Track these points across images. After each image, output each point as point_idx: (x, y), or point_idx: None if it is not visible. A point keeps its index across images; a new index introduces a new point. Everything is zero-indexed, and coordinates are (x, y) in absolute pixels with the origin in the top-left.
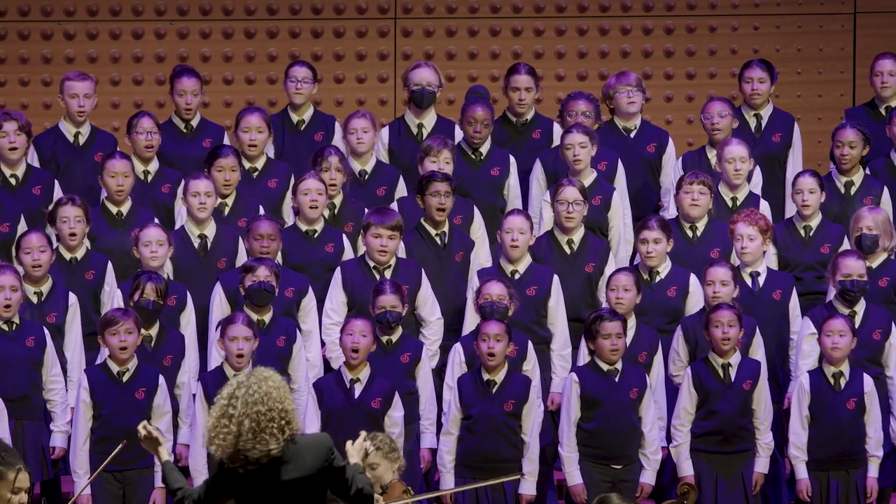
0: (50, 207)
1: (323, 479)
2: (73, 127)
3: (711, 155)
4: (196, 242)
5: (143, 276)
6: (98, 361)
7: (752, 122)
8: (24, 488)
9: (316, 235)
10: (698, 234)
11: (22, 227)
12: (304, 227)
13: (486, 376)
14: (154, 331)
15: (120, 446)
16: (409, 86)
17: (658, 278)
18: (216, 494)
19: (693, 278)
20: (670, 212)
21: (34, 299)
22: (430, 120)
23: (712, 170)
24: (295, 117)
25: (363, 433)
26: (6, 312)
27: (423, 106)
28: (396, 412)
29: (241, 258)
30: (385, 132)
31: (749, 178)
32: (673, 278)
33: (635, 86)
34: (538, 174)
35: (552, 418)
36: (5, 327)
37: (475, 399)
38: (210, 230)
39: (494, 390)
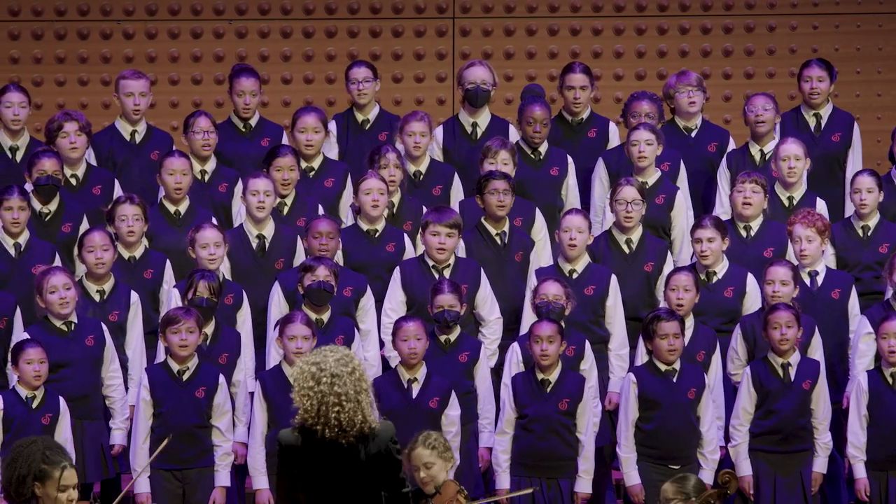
0: (108, 206)
1: (380, 463)
2: (130, 125)
3: (755, 150)
4: (254, 242)
5: (197, 275)
6: (157, 360)
7: (812, 122)
8: (72, 485)
9: (377, 235)
10: (752, 233)
11: (84, 227)
12: (365, 227)
13: (540, 376)
14: (210, 329)
15: (166, 441)
16: (464, 84)
17: (715, 278)
18: (289, 476)
19: (750, 278)
20: (725, 209)
21: (96, 297)
22: (484, 119)
23: (756, 166)
24: (360, 117)
25: None
26: (63, 309)
27: (477, 105)
28: (453, 411)
29: (300, 258)
30: (439, 131)
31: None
32: (730, 278)
33: (696, 85)
34: (601, 173)
35: (610, 418)
36: (64, 328)
37: (530, 398)
38: (268, 230)
39: (549, 389)
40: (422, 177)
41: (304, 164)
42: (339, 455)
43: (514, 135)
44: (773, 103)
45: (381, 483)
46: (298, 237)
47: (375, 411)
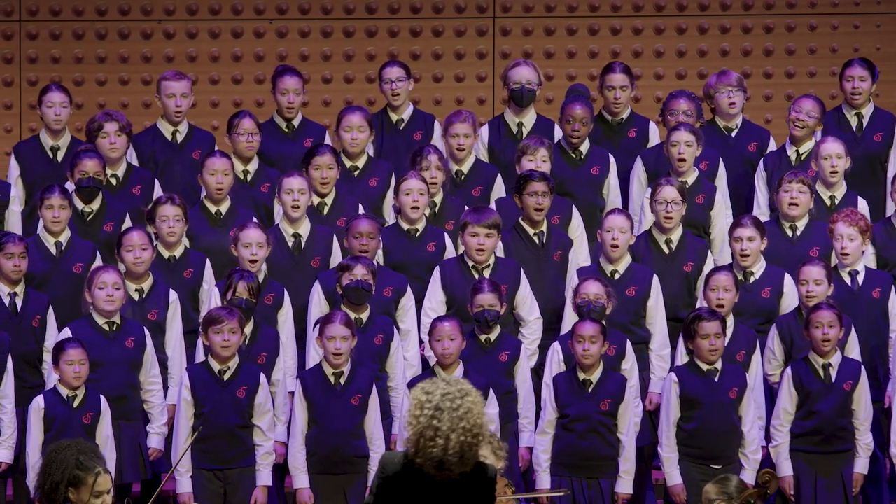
0: (149, 206)
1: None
2: (171, 125)
3: (791, 152)
4: (290, 241)
5: (236, 275)
6: (196, 360)
7: (854, 122)
8: (106, 490)
9: (417, 235)
10: (798, 233)
11: (126, 226)
12: (405, 227)
13: (581, 376)
14: (248, 328)
15: (196, 433)
16: (509, 84)
17: (752, 279)
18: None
19: (787, 278)
20: (762, 210)
21: (135, 297)
22: (529, 119)
23: (792, 167)
24: (394, 116)
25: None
26: (109, 306)
27: (522, 104)
28: (491, 409)
29: (336, 257)
30: (484, 130)
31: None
32: (767, 279)
33: (736, 85)
34: (639, 172)
35: (651, 418)
36: (106, 327)
37: (571, 398)
38: (304, 229)
39: (590, 389)
40: (463, 176)
41: (348, 163)
42: (434, 490)
43: (559, 135)
44: (819, 109)
45: None
46: (334, 235)
47: (487, 454)
